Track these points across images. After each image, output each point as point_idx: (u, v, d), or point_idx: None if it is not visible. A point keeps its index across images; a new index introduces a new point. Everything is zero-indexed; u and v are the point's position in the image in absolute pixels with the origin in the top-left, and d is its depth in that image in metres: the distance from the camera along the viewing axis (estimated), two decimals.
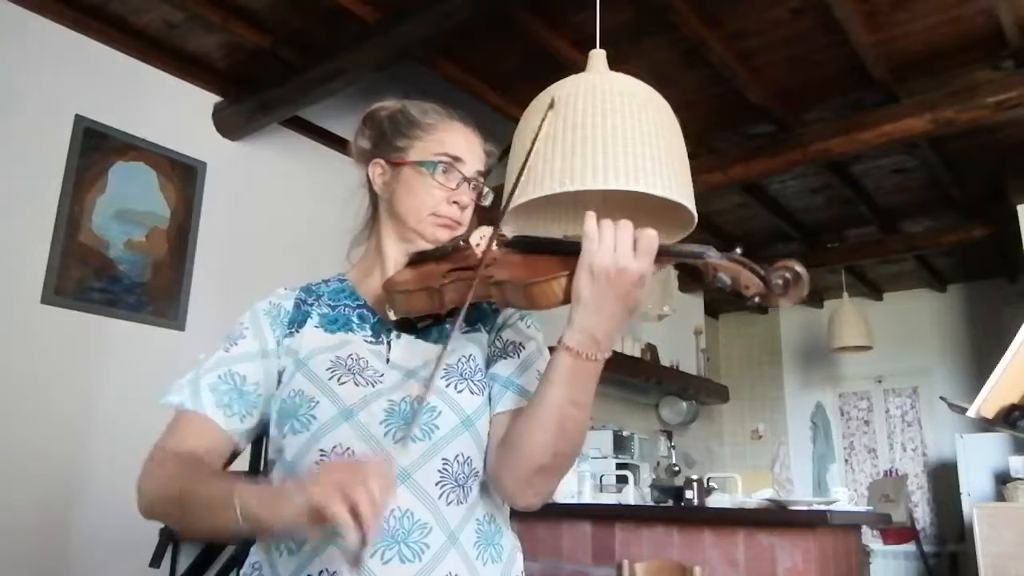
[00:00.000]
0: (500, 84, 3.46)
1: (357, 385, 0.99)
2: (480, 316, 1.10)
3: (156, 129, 3.31)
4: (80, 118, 3.07)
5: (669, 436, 5.91)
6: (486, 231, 1.04)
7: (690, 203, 1.56)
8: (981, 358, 5.96)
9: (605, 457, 4.50)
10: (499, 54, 3.27)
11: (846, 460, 6.64)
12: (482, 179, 1.12)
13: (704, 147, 3.95)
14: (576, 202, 1.67)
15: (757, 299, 0.84)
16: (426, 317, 1.04)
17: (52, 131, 2.99)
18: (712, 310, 7.23)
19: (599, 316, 0.86)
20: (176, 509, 0.92)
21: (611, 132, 1.53)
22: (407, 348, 1.05)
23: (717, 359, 6.99)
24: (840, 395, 6.77)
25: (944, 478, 5.87)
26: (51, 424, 2.87)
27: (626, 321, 0.89)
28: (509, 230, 1.01)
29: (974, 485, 4.91)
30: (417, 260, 1.09)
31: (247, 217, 3.64)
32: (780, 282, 0.81)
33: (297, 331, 1.06)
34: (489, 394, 1.03)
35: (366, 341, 1.05)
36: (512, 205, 1.60)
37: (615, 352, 4.94)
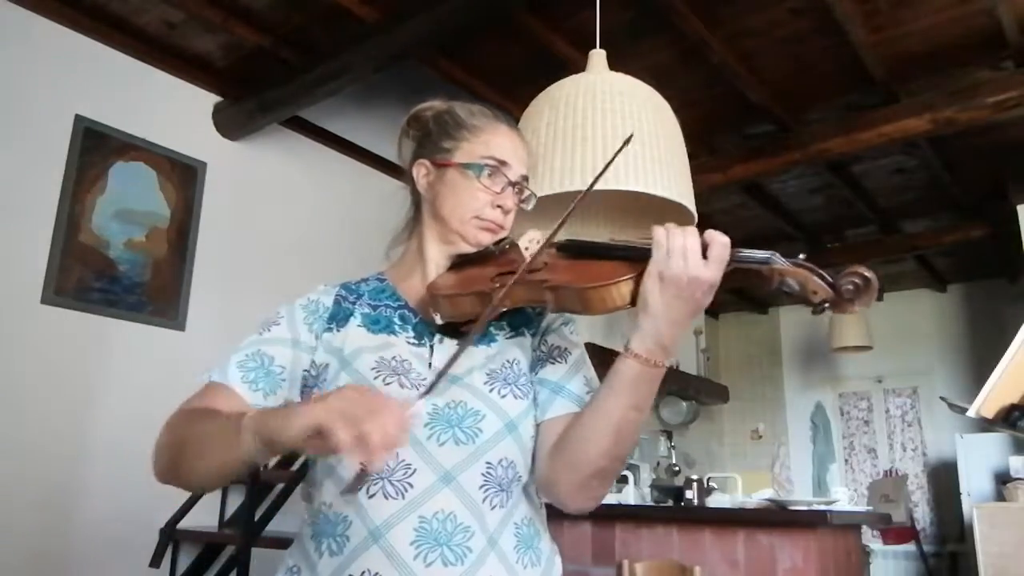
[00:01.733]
0: (500, 84, 3.45)
1: (402, 387, 0.98)
2: (523, 320, 1.10)
3: (156, 129, 3.31)
4: (80, 118, 3.07)
5: (669, 436, 5.90)
6: (535, 235, 1.04)
7: (690, 203, 1.57)
8: (981, 358, 5.96)
9: None
10: (499, 54, 3.27)
11: (846, 460, 6.64)
12: (526, 182, 1.11)
13: (704, 147, 3.95)
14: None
15: (826, 306, 0.82)
16: (471, 321, 1.03)
17: (52, 131, 2.99)
18: (712, 310, 7.23)
19: (667, 323, 0.86)
20: (188, 448, 0.91)
21: (611, 132, 1.53)
22: (450, 353, 1.02)
23: (717, 359, 6.99)
24: (840, 395, 6.77)
25: (944, 478, 5.87)
26: (51, 424, 2.87)
27: (690, 325, 0.89)
28: (560, 234, 1.00)
29: (974, 485, 4.91)
30: (460, 263, 1.08)
31: (247, 217, 3.64)
32: (850, 287, 0.80)
33: (339, 328, 1.06)
34: (535, 399, 1.03)
35: (408, 343, 1.05)
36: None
37: (615, 352, 4.97)
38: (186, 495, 3.09)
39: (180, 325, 3.30)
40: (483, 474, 0.95)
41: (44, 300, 2.89)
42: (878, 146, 3.60)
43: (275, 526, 2.92)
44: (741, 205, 4.90)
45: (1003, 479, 4.52)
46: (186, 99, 3.45)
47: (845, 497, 3.24)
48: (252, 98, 3.40)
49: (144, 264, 3.22)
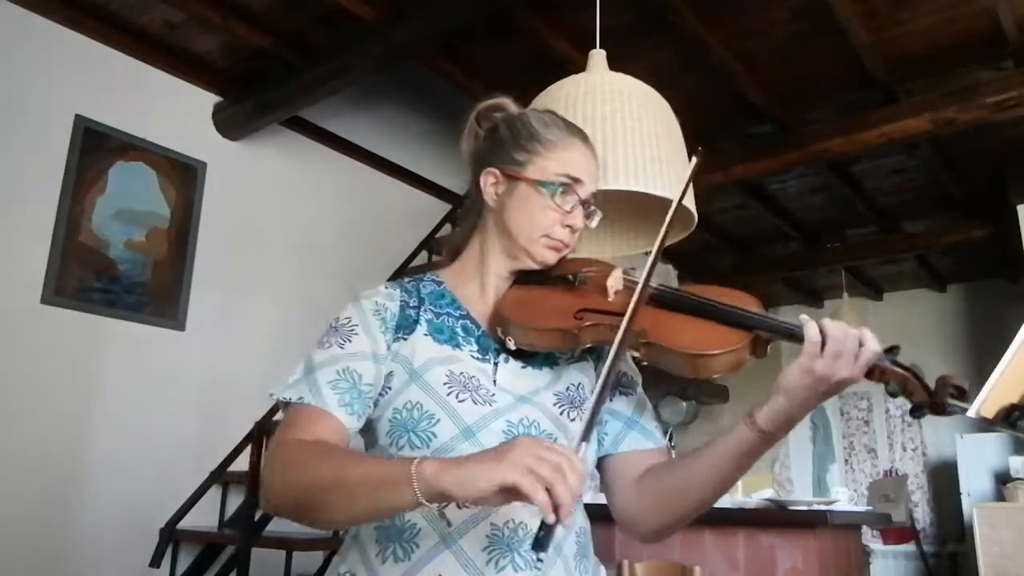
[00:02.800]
0: (500, 84, 3.43)
1: (476, 404, 0.97)
2: (588, 347, 1.06)
3: (156, 129, 3.31)
4: (80, 118, 3.07)
5: (669, 436, 5.91)
6: (619, 275, 1.02)
7: (690, 203, 1.56)
8: (981, 358, 5.95)
9: None
10: (499, 54, 3.27)
11: (846, 460, 6.64)
12: (594, 200, 1.08)
13: (704, 147, 3.94)
14: None
15: (926, 410, 0.85)
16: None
17: (52, 131, 2.99)
18: None
19: (801, 408, 0.89)
20: (333, 496, 0.84)
21: (611, 132, 1.53)
22: (515, 374, 1.02)
23: None
24: (840, 395, 6.76)
25: (944, 478, 5.87)
26: (51, 424, 2.87)
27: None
28: (652, 280, 0.97)
29: (974, 485, 4.90)
30: (525, 280, 1.07)
31: (247, 217, 3.64)
32: (947, 399, 0.83)
33: (406, 337, 1.01)
34: (604, 427, 1.05)
35: (472, 357, 1.02)
36: None
37: None
38: (186, 495, 3.09)
39: (180, 325, 3.30)
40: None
41: (44, 300, 2.89)
42: (878, 146, 3.60)
43: (275, 526, 2.92)
44: (741, 205, 4.90)
45: (1003, 479, 4.52)
46: (186, 99, 3.45)
47: (845, 497, 3.24)
48: (252, 98, 3.40)
49: (144, 264, 3.22)
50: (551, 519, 0.71)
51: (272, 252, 3.71)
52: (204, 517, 3.19)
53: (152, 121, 3.30)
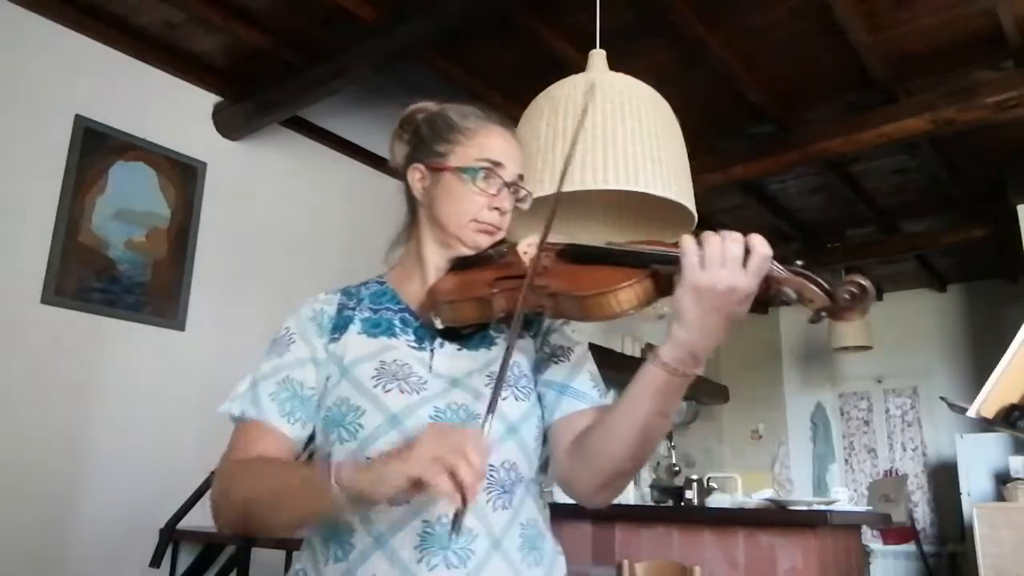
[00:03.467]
0: (500, 84, 3.45)
1: (402, 392, 0.99)
2: (524, 322, 1.09)
3: (156, 129, 3.31)
4: (80, 118, 3.06)
5: (669, 436, 5.89)
6: (534, 239, 1.03)
7: (690, 203, 1.57)
8: (981, 358, 5.96)
9: None
10: (499, 54, 3.27)
11: (846, 460, 6.64)
12: (521, 182, 1.11)
13: (704, 147, 3.95)
14: (577, 202, 1.67)
15: (823, 314, 0.81)
16: (471, 325, 1.03)
17: (52, 131, 2.99)
18: None
19: (701, 334, 0.85)
20: (265, 505, 0.91)
21: (611, 132, 1.53)
22: (451, 358, 1.04)
23: (717, 359, 6.99)
24: (840, 395, 6.77)
25: (944, 478, 5.87)
26: (51, 424, 2.87)
27: (725, 335, 0.87)
28: (559, 238, 1.00)
29: (974, 485, 4.91)
30: (459, 266, 1.09)
31: (247, 217, 3.64)
32: (847, 296, 0.78)
33: (339, 337, 1.05)
34: (542, 400, 1.04)
35: (409, 346, 1.05)
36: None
37: (614, 352, 4.96)
38: (186, 495, 3.09)
39: (180, 325, 3.30)
40: (487, 477, 0.95)
41: (44, 300, 2.89)
42: (878, 146, 3.60)
43: None
44: (741, 205, 4.90)
45: (1003, 479, 4.52)
46: (186, 99, 3.45)
47: (845, 497, 3.24)
48: (252, 98, 3.40)
49: (144, 264, 3.22)
50: (457, 503, 0.74)
51: (272, 252, 3.71)
52: (204, 517, 3.18)
53: (152, 121, 3.30)
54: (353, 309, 1.09)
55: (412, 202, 1.14)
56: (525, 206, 1.11)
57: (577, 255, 0.99)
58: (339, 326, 1.06)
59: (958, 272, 6.17)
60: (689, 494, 3.15)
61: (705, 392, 5.97)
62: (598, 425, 0.96)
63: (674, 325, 0.86)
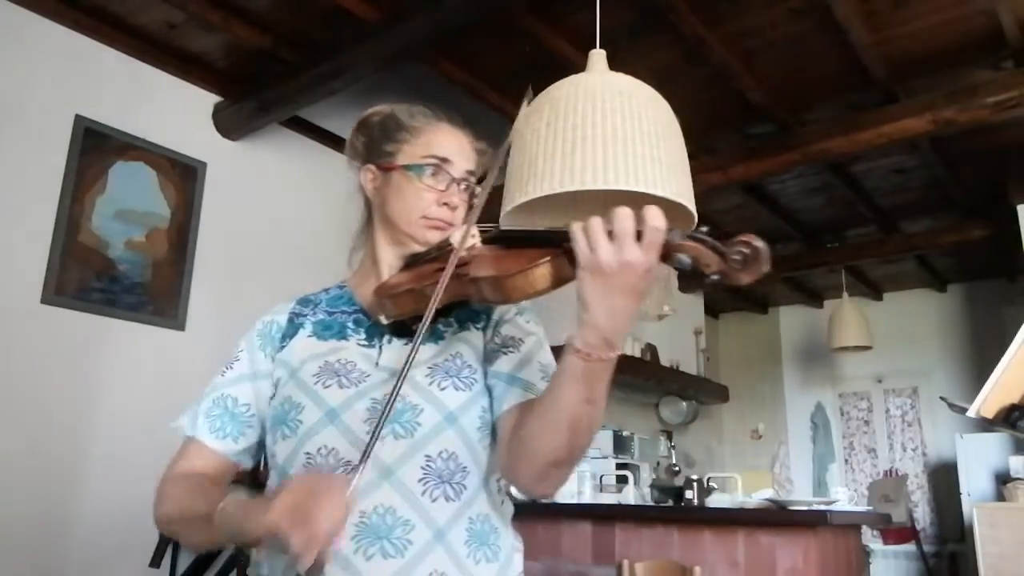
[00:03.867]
0: (500, 84, 3.45)
1: (341, 387, 1.01)
2: (470, 316, 1.10)
3: (156, 129, 3.31)
4: (80, 118, 3.06)
5: (669, 436, 5.90)
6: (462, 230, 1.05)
7: (690, 203, 1.56)
8: (981, 358, 5.96)
9: (605, 457, 4.50)
10: (499, 54, 3.27)
11: (846, 460, 6.64)
12: (473, 178, 1.12)
13: (704, 147, 3.95)
14: (576, 201, 1.67)
15: (716, 277, 0.78)
16: (420, 319, 1.04)
17: (52, 131, 2.99)
18: (712, 310, 7.23)
19: (606, 316, 0.81)
20: (181, 527, 1.01)
21: (611, 132, 1.53)
22: (398, 352, 1.05)
23: (717, 359, 6.99)
24: (840, 395, 6.77)
25: (944, 478, 5.87)
26: (51, 424, 2.87)
27: (635, 314, 0.84)
28: (499, 226, 1.02)
29: (974, 485, 4.91)
30: (411, 263, 1.10)
31: (247, 217, 3.64)
32: (739, 258, 0.76)
33: (288, 342, 1.10)
34: (492, 392, 1.04)
35: (359, 345, 1.07)
36: (512, 205, 1.60)
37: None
38: None
39: (180, 325, 3.30)
40: (422, 467, 0.96)
41: (44, 300, 2.89)
42: (878, 146, 3.59)
43: None
44: (741, 205, 4.90)
45: (1003, 479, 4.52)
46: (186, 99, 3.45)
47: (845, 497, 3.24)
48: (252, 98, 3.40)
49: (144, 264, 3.22)
50: (301, 566, 0.76)
51: (272, 252, 3.71)
52: None
53: (152, 121, 3.30)
54: (305, 316, 1.13)
55: (366, 203, 1.16)
56: (477, 200, 1.10)
57: (506, 240, 1.01)
58: (288, 334, 1.11)
59: (958, 272, 6.17)
60: (689, 494, 3.15)
61: (705, 392, 5.97)
62: (530, 416, 0.94)
63: (580, 310, 0.83)
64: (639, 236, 0.79)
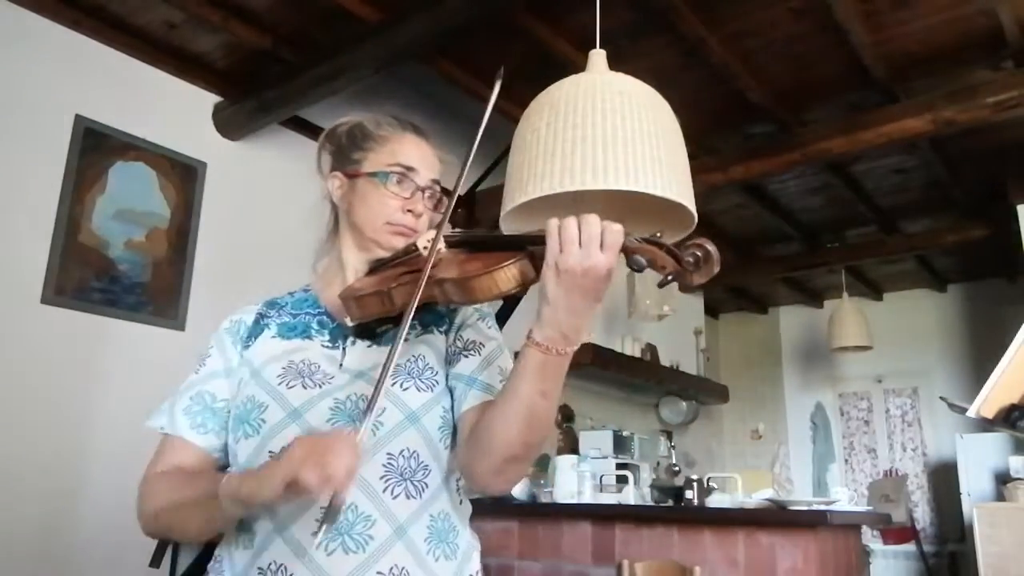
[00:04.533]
0: (500, 84, 3.45)
1: (305, 388, 1.03)
2: (434, 319, 1.13)
3: (156, 129, 3.31)
4: (80, 118, 3.06)
5: (669, 436, 5.91)
6: (431, 234, 1.07)
7: (690, 203, 1.56)
8: (981, 358, 5.96)
9: (605, 457, 4.50)
10: (499, 54, 3.27)
11: (846, 460, 6.64)
12: (437, 187, 1.16)
13: (704, 147, 3.95)
14: (576, 202, 1.67)
15: (671, 278, 0.85)
16: (384, 322, 1.07)
17: (52, 131, 2.99)
18: (712, 310, 7.23)
19: (567, 313, 0.87)
20: (173, 516, 1.00)
21: (611, 132, 1.53)
22: (362, 353, 1.08)
23: (717, 359, 6.99)
24: (840, 395, 6.77)
25: (944, 478, 5.87)
26: (51, 424, 2.87)
27: (593, 313, 0.90)
28: (462, 231, 1.06)
29: (974, 485, 4.91)
30: (376, 268, 1.12)
31: (247, 217, 3.64)
32: (691, 260, 0.83)
33: (253, 343, 1.12)
34: (453, 393, 1.07)
35: (323, 346, 1.10)
36: (512, 205, 1.60)
37: (615, 352, 4.97)
38: None
39: (180, 325, 3.30)
40: (384, 465, 0.99)
41: (44, 300, 2.89)
42: (878, 146, 3.59)
43: None
44: (741, 205, 4.90)
45: (1003, 479, 4.52)
46: (186, 99, 3.45)
47: (845, 497, 3.24)
48: (252, 98, 3.40)
49: (144, 264, 3.22)
50: (329, 498, 0.80)
51: (272, 252, 3.70)
52: None
53: (152, 121, 3.30)
54: (270, 317, 1.16)
55: (334, 210, 1.20)
56: (441, 208, 1.16)
57: (467, 244, 1.04)
58: (254, 333, 1.14)
59: (958, 272, 6.17)
60: (689, 494, 3.15)
61: (705, 392, 5.97)
62: (488, 410, 0.98)
63: (541, 305, 0.88)
64: (601, 240, 0.85)
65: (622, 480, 3.54)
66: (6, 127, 2.87)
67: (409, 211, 1.12)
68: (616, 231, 0.85)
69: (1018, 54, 3.15)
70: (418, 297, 0.94)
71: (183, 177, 3.39)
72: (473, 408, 1.03)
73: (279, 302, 1.19)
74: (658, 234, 0.86)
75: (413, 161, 1.14)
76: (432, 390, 1.05)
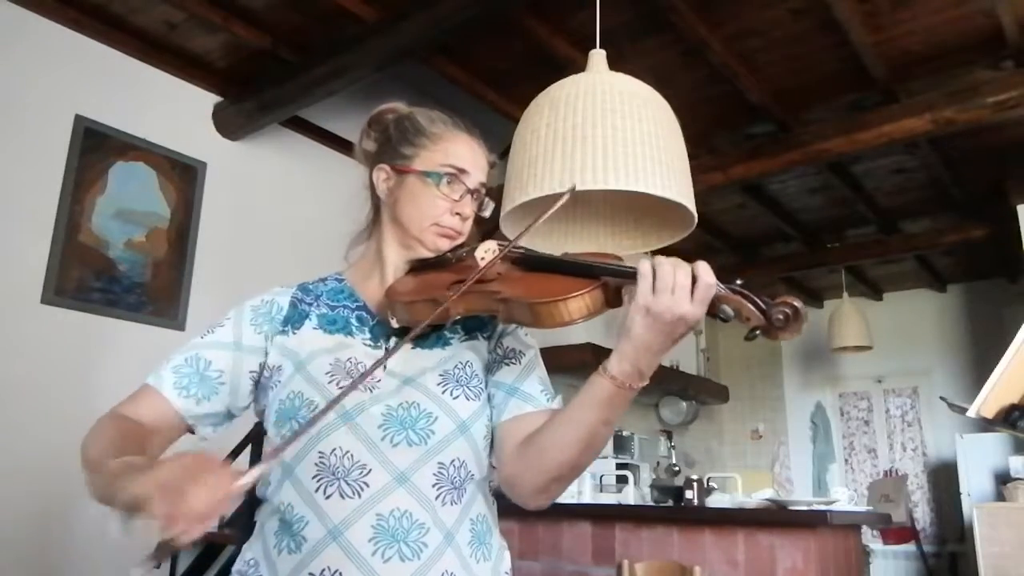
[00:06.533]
0: (500, 84, 3.45)
1: (356, 389, 1.00)
2: (478, 324, 1.12)
3: (156, 129, 3.31)
4: (80, 118, 3.07)
5: (669, 436, 5.91)
6: (491, 245, 1.05)
7: (690, 203, 1.56)
8: (981, 358, 5.95)
9: (605, 457, 4.50)
10: (499, 54, 3.27)
11: (846, 460, 6.64)
12: (484, 190, 1.13)
13: (704, 147, 3.95)
14: (577, 202, 1.67)
15: (757, 333, 0.85)
16: (431, 327, 1.05)
17: (52, 131, 2.99)
18: None
19: (646, 352, 0.88)
20: (90, 473, 0.97)
21: (611, 132, 1.53)
22: (405, 356, 1.05)
23: (717, 359, 6.99)
24: (840, 395, 6.77)
25: (944, 478, 5.87)
26: (51, 424, 2.87)
27: (666, 355, 0.91)
28: (521, 246, 1.03)
29: (974, 485, 4.90)
30: (418, 268, 1.10)
31: (247, 217, 3.64)
32: (781, 317, 0.82)
33: (295, 331, 1.08)
34: (491, 400, 1.06)
35: (364, 344, 1.07)
36: (512, 205, 1.60)
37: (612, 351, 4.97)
38: None
39: (180, 325, 3.30)
40: (435, 474, 0.98)
41: (44, 300, 2.89)
42: (878, 146, 3.59)
43: None
44: (741, 205, 4.90)
45: (1003, 479, 4.52)
46: (186, 99, 3.45)
47: (845, 497, 3.24)
48: (252, 98, 3.40)
49: (144, 264, 3.22)
50: (162, 535, 0.70)
51: (272, 252, 3.71)
52: None
53: (152, 121, 3.30)
54: (310, 305, 1.11)
55: (376, 201, 1.17)
56: (485, 213, 1.13)
57: (531, 263, 1.02)
58: (292, 319, 1.09)
59: (958, 272, 6.17)
60: (689, 494, 3.15)
61: (705, 392, 5.97)
62: (544, 429, 0.98)
63: (623, 341, 0.89)
64: (692, 289, 0.85)
65: (622, 480, 3.54)
66: (6, 127, 2.87)
67: (457, 214, 1.08)
68: (709, 285, 0.84)
69: (1018, 54, 3.15)
70: (461, 308, 0.94)
71: (183, 177, 3.39)
72: (515, 418, 1.03)
73: (312, 289, 1.14)
74: (738, 281, 0.86)
75: (466, 163, 1.10)
76: (479, 398, 1.04)
